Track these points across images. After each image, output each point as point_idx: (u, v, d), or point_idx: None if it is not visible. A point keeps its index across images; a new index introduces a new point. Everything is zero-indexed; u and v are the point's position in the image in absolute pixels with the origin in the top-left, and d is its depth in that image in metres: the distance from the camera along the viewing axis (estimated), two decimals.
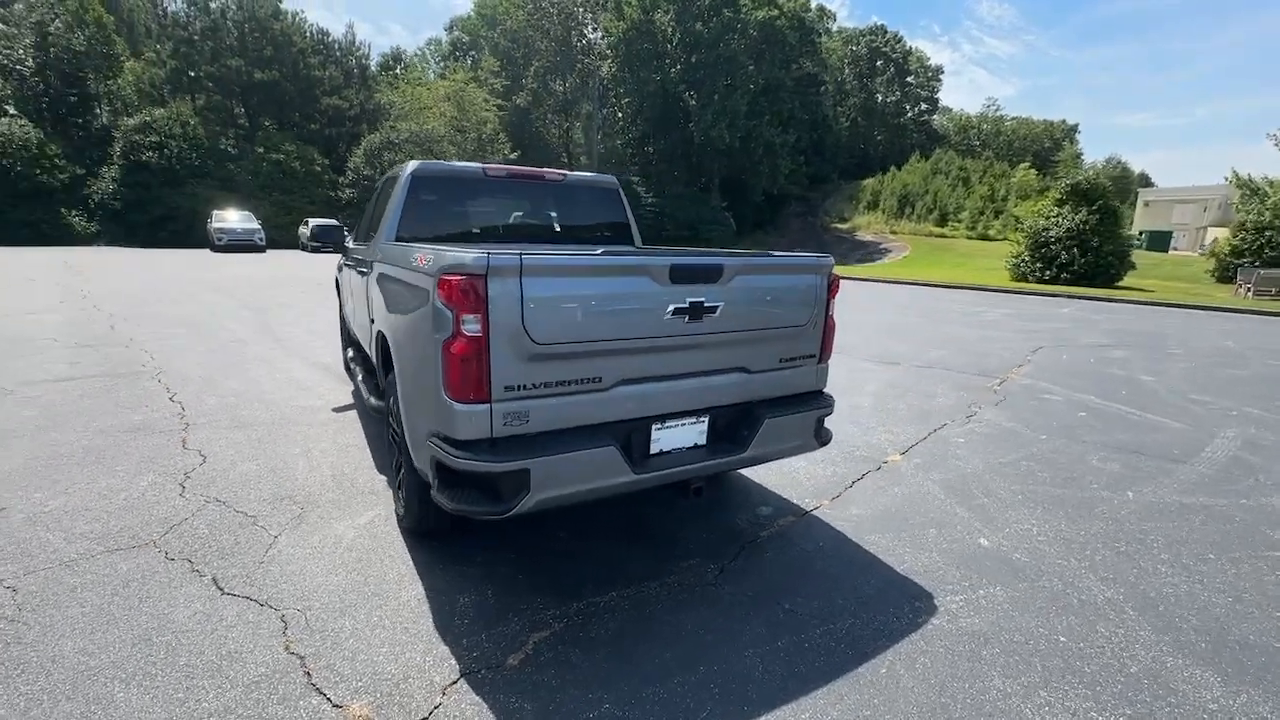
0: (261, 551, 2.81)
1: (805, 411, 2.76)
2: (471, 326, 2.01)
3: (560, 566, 2.77)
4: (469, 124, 38.87)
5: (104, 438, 4.15)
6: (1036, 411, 5.35)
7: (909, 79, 59.62)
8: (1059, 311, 13.29)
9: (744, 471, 3.85)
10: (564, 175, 4.08)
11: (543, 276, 2.08)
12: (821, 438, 2.88)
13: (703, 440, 2.59)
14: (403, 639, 2.25)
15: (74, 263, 18.59)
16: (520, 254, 2.03)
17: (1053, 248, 20.54)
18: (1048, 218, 21.08)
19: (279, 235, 30.32)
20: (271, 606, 2.42)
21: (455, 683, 2.04)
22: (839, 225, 42.84)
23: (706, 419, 2.58)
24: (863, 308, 12.54)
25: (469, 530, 3.02)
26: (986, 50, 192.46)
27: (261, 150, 33.73)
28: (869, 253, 35.73)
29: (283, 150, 33.83)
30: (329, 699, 1.96)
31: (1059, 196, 21.70)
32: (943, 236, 37.27)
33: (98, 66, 33.55)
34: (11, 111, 30.48)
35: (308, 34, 38.71)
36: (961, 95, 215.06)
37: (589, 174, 4.28)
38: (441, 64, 55.13)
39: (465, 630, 2.31)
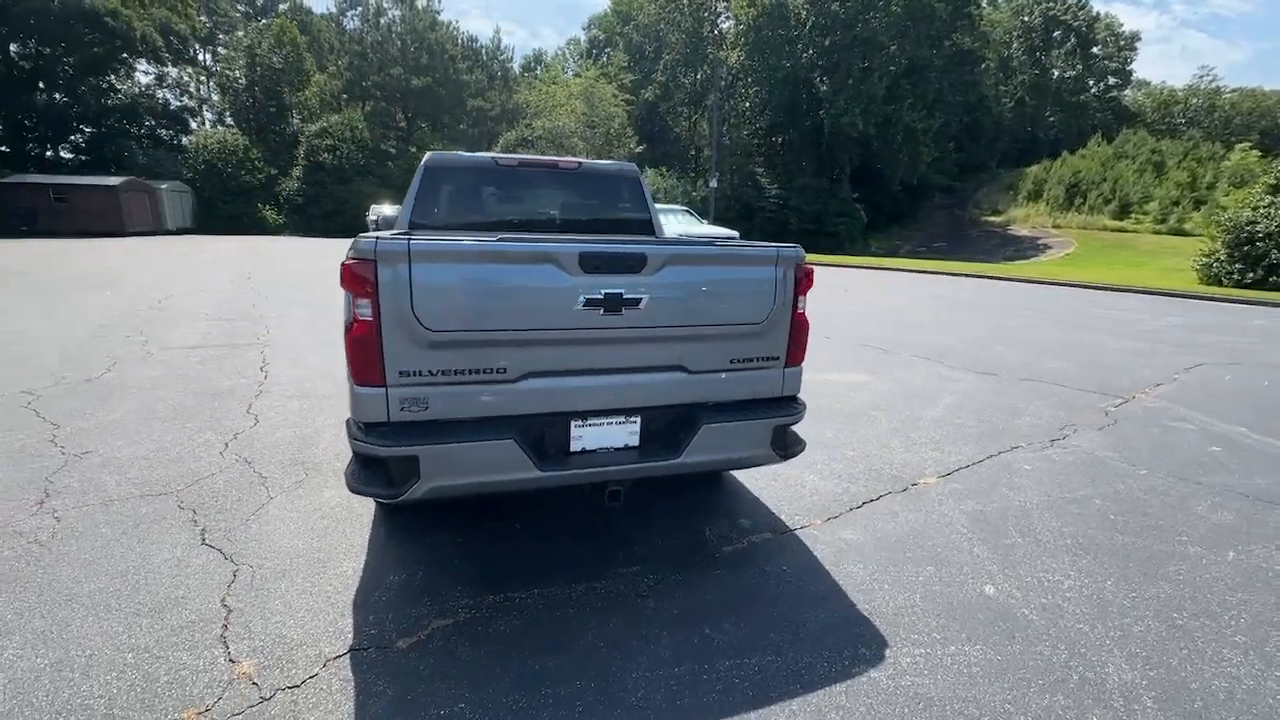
0: (253, 510, 3.09)
1: (755, 418, 2.48)
2: (364, 311, 2.03)
3: (502, 556, 2.76)
4: (598, 119, 40.05)
5: (193, 399, 4.82)
6: (1151, 441, 4.41)
7: (1094, 50, 51.83)
8: (1248, 323, 10.89)
9: (741, 478, 3.58)
10: (578, 163, 4.02)
11: (434, 262, 2.05)
12: (784, 448, 2.58)
13: (635, 441, 2.43)
14: (319, 607, 2.36)
15: (257, 249, 21.88)
16: (409, 239, 2.02)
17: (1259, 245, 16.83)
18: (1255, 209, 17.31)
19: None
20: (233, 561, 2.65)
21: (340, 657, 2.10)
22: (991, 218, 38.53)
23: (639, 419, 2.41)
24: (981, 308, 11.17)
25: (438, 510, 3.10)
26: (1208, 9, 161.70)
27: (414, 150, 37.36)
28: (1021, 249, 31.76)
29: (430, 149, 37.23)
30: (229, 653, 2.11)
31: (1273, 182, 17.73)
32: (1120, 231, 32.09)
33: (291, 81, 39.09)
34: (229, 122, 36.52)
35: (459, 41, 42.12)
36: (1167, 66, 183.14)
37: (607, 162, 4.19)
38: (579, 62, 57.32)
39: (378, 607, 2.37)
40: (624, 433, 2.40)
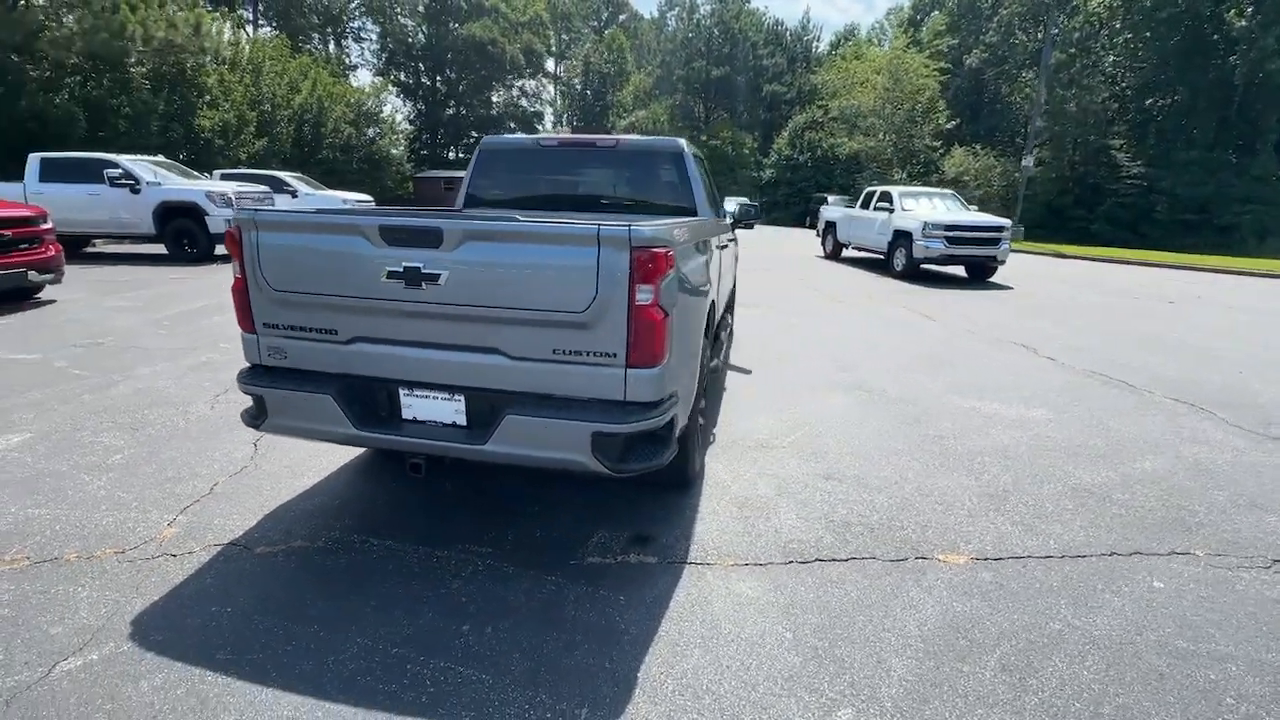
0: None
1: (567, 419, 2.18)
2: (237, 269, 2.44)
3: (421, 509, 2.98)
4: (902, 94, 36.22)
5: None
6: None
7: None
8: None
9: (711, 489, 3.14)
10: (616, 140, 3.91)
11: (274, 231, 2.33)
12: (616, 460, 2.21)
13: (462, 420, 2.38)
14: (250, 508, 2.92)
15: None
16: (255, 209, 2.33)
17: None
18: None
19: None
20: (255, 458, 3.45)
21: (218, 545, 2.61)
22: None
23: (462, 398, 2.36)
24: None
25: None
26: None
27: (704, 138, 39.32)
28: None
29: (719, 136, 38.69)
30: (171, 520, 2.80)
31: None
32: None
33: (615, 82, 44.66)
34: (564, 122, 43.65)
35: (763, 26, 42.40)
36: None
37: (649, 138, 3.96)
38: (896, 32, 52.34)
39: (278, 518, 2.83)
40: (450, 409, 2.38)
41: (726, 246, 5.03)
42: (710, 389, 3.93)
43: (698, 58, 41.41)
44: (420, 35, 43.14)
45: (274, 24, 36.73)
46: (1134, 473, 3.53)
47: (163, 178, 11.47)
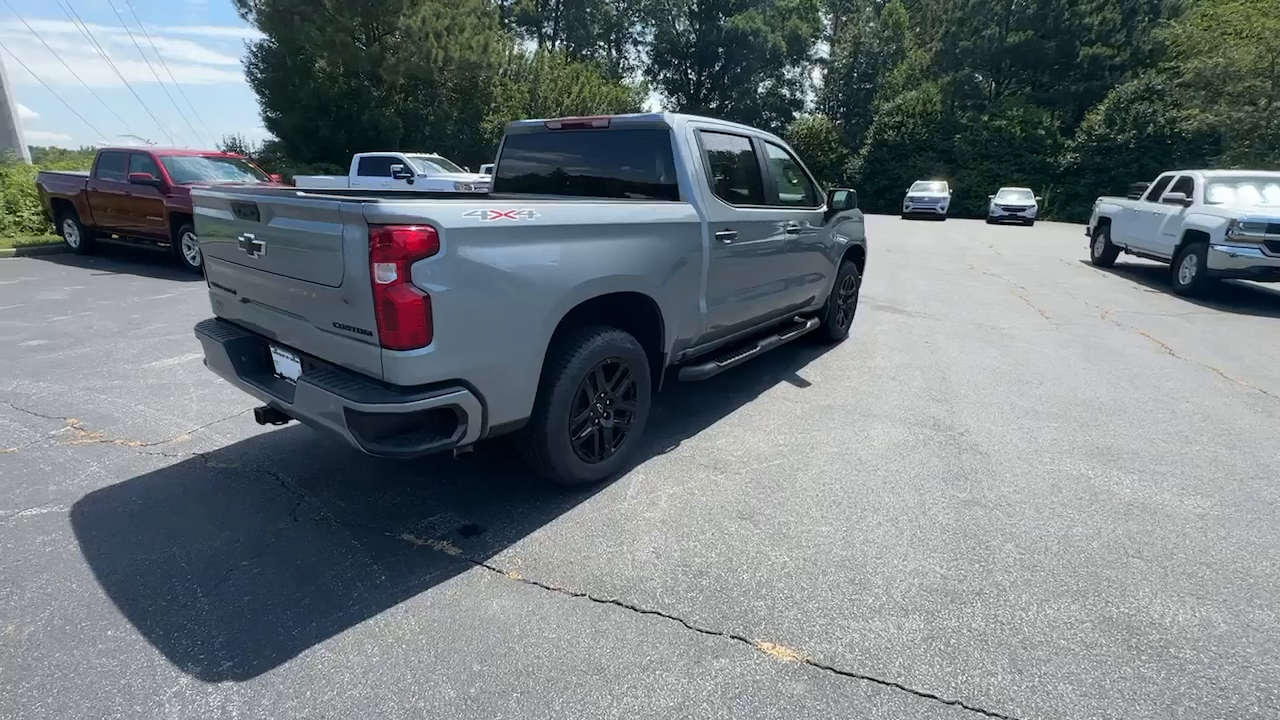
0: None
1: (330, 390, 2.20)
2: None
3: (365, 464, 3.37)
4: None
5: None
6: None
7: None
8: None
9: (609, 508, 2.88)
10: (608, 120, 3.68)
11: (200, 205, 2.82)
12: (367, 439, 2.19)
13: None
14: (249, 427, 3.61)
15: None
16: (193, 189, 2.84)
17: None
18: None
19: (978, 205, 30.09)
20: None
21: (191, 453, 3.30)
22: None
23: (298, 360, 2.57)
24: None
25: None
26: None
27: (986, 118, 33.49)
28: None
29: (1006, 115, 32.51)
30: (180, 422, 3.61)
31: None
32: None
33: (886, 62, 40.79)
34: (825, 109, 41.52)
35: None
36: None
37: (636, 115, 3.61)
38: None
39: (255, 443, 3.45)
40: (295, 369, 2.62)
41: (798, 235, 4.48)
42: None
43: (992, 23, 35.22)
44: (691, 34, 45.14)
45: (564, 35, 42.22)
46: None
47: (430, 171, 14.32)
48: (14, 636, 1.98)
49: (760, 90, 46.85)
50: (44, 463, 3.17)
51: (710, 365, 3.75)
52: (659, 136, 3.48)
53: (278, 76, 19.69)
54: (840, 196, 5.03)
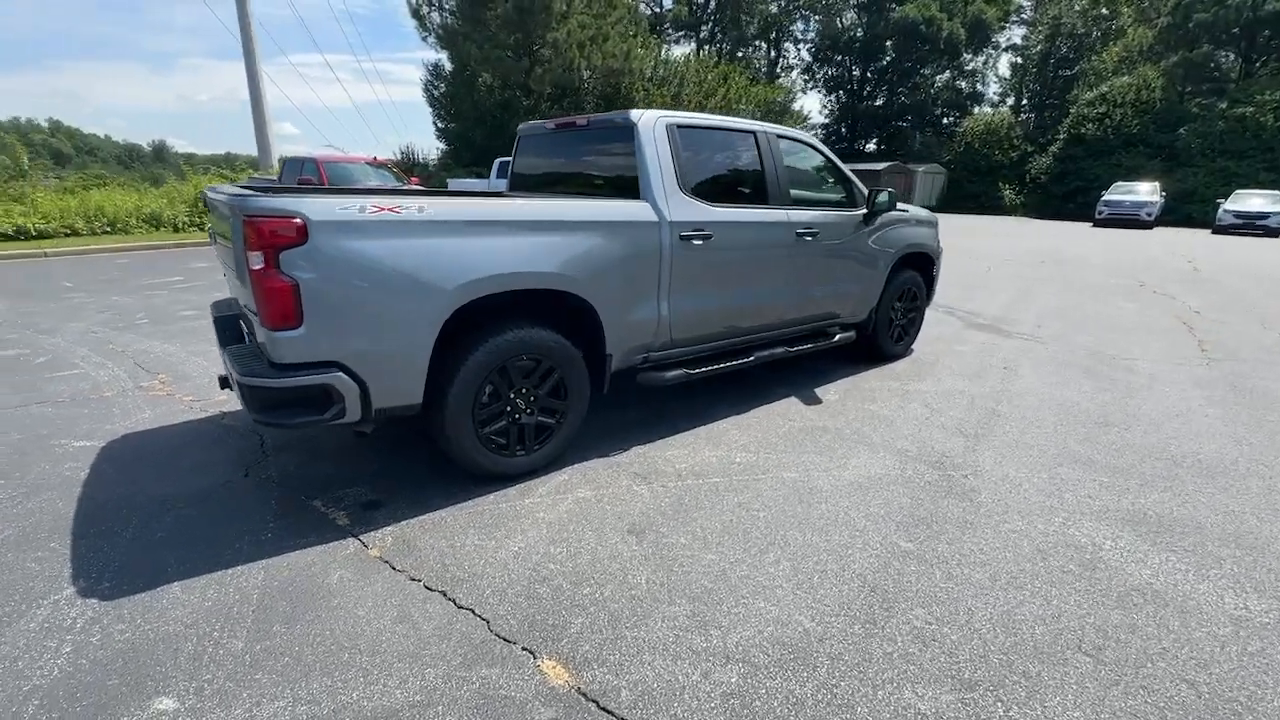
0: None
1: (232, 361, 2.55)
2: None
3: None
4: None
5: None
6: None
7: None
8: None
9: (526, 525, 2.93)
10: (588, 120, 3.66)
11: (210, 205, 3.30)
12: (253, 409, 2.45)
13: None
14: None
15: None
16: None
17: None
18: None
19: (1203, 212, 24.76)
20: None
21: (214, 406, 3.89)
22: None
23: (250, 336, 2.93)
24: None
25: None
26: None
27: (1225, 105, 27.33)
28: None
29: (1254, 101, 26.23)
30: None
31: None
32: None
33: (1092, 44, 35.11)
34: (1009, 102, 36.87)
35: None
36: None
37: (608, 114, 3.50)
38: None
39: None
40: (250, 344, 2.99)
41: (816, 238, 4.17)
42: None
43: None
44: (859, 29, 42.63)
45: (720, 37, 42.09)
46: None
47: None
48: None
49: (936, 84, 42.83)
50: (118, 407, 3.95)
51: (676, 372, 3.58)
52: (624, 134, 3.40)
53: (447, 91, 22.23)
54: (882, 198, 4.50)
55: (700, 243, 3.47)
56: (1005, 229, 22.35)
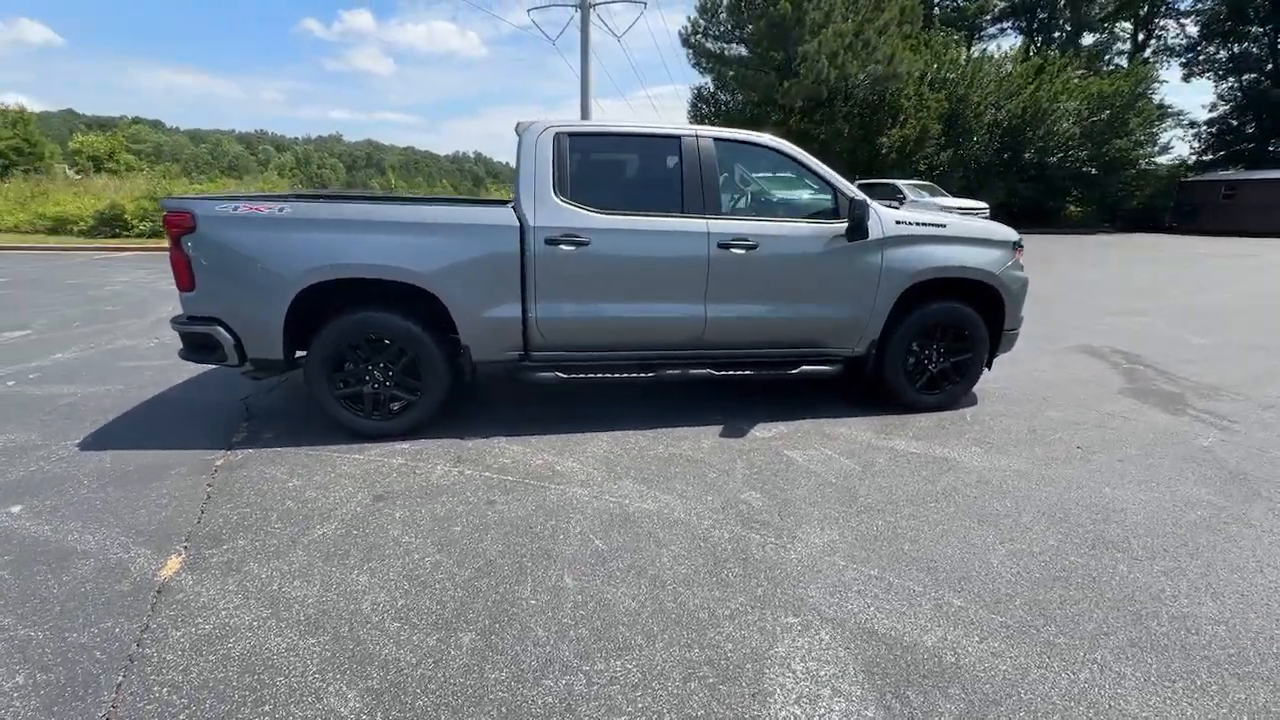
0: None
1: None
2: None
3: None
4: None
5: None
6: None
7: None
8: None
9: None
10: (516, 127, 3.93)
11: None
12: (183, 350, 3.50)
13: None
14: None
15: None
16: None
17: None
18: None
19: None
20: None
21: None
22: None
23: None
24: None
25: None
26: None
27: None
28: None
29: None
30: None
31: None
32: None
33: None
34: None
35: None
36: None
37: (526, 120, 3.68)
38: None
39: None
40: None
41: (753, 251, 3.72)
42: None
43: None
44: None
45: (1061, 21, 34.82)
46: None
47: (918, 196, 15.31)
48: None
49: None
50: (175, 372, 5.61)
51: (548, 374, 3.68)
52: (521, 143, 3.64)
53: (705, 110, 23.70)
54: (859, 208, 3.69)
55: (572, 249, 3.50)
56: None
